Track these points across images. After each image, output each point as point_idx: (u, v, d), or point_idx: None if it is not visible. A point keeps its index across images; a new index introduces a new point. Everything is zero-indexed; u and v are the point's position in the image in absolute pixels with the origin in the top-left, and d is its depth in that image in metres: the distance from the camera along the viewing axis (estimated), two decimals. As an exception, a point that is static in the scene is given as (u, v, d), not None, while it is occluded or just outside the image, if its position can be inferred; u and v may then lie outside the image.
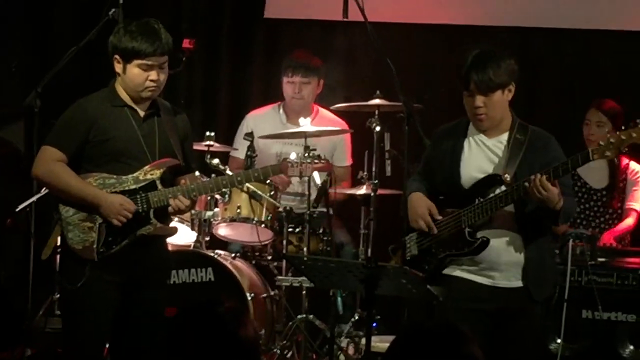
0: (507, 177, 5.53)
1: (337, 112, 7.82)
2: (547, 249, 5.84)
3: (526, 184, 5.39)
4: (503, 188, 5.54)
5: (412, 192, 5.77)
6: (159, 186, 5.65)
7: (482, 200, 5.57)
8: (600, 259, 6.62)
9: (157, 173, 5.68)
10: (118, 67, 5.63)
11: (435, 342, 3.05)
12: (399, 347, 3.08)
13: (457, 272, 5.66)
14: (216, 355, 3.12)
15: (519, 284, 5.59)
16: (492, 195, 5.55)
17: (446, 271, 5.68)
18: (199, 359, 3.15)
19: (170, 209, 5.75)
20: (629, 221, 7.68)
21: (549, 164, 5.51)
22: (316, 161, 6.55)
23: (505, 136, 5.67)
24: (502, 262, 5.60)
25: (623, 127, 5.44)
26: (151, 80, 5.59)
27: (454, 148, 5.72)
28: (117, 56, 5.62)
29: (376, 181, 7.08)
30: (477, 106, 5.52)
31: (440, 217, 5.66)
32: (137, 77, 5.59)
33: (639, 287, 6.51)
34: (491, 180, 5.60)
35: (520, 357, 5.73)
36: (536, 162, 5.57)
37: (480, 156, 5.70)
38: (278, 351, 7.21)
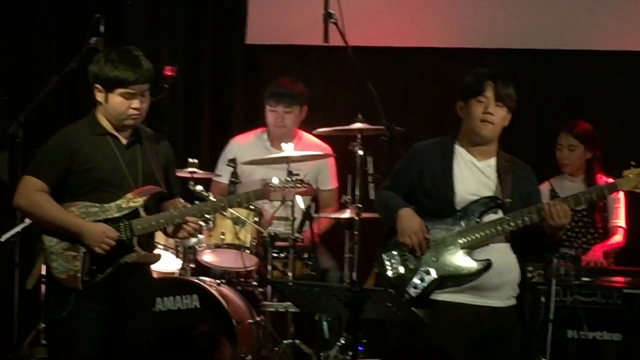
0: (508, 201, 5.62)
1: (320, 136, 7.83)
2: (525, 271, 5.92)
3: (543, 209, 5.47)
4: (500, 212, 5.62)
5: (400, 206, 5.76)
6: (142, 214, 5.66)
7: (479, 222, 5.63)
8: (584, 279, 6.60)
9: (140, 201, 5.68)
10: (99, 96, 5.63)
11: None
12: None
13: (447, 296, 5.66)
14: None
15: (513, 302, 5.67)
16: (491, 217, 5.63)
17: (436, 295, 5.67)
18: None
19: (182, 232, 5.82)
20: (617, 238, 7.79)
21: (530, 193, 5.70)
22: (299, 185, 6.60)
23: (492, 161, 5.76)
24: (498, 283, 5.65)
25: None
26: (133, 109, 5.60)
27: (445, 165, 5.76)
28: (98, 85, 5.63)
29: (360, 205, 7.09)
30: (489, 112, 5.63)
31: (428, 236, 5.68)
32: (120, 105, 5.60)
33: (623, 306, 6.49)
34: (489, 203, 5.68)
35: None
36: (523, 190, 5.70)
37: (475, 177, 5.77)
38: (266, 377, 7.22)
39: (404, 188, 5.84)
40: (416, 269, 5.71)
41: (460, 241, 5.62)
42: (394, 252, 5.81)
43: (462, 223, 5.67)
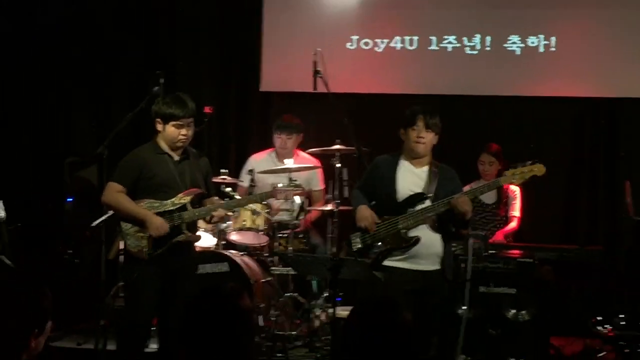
0: (431, 195, 5.74)
1: (311, 154, 7.84)
2: (450, 245, 5.98)
3: (455, 199, 5.60)
4: (427, 203, 5.72)
5: (360, 204, 5.90)
6: (189, 207, 5.83)
7: (412, 210, 5.74)
8: (491, 251, 6.69)
9: (187, 199, 5.84)
10: (159, 127, 5.81)
11: (380, 310, 3.21)
12: (356, 314, 3.18)
13: (392, 262, 5.77)
14: (224, 317, 3.12)
15: (438, 267, 5.78)
16: (421, 207, 5.72)
17: (386, 262, 5.77)
18: (214, 321, 3.12)
19: (212, 217, 5.97)
20: (513, 224, 7.85)
21: (455, 189, 5.79)
22: (296, 188, 6.75)
23: (426, 168, 5.86)
24: (427, 253, 5.76)
25: (529, 162, 5.71)
26: (182, 135, 5.78)
27: (391, 172, 5.86)
28: (158, 119, 5.81)
29: (338, 201, 7.07)
30: (422, 136, 5.76)
31: (379, 221, 5.80)
32: (173, 133, 5.78)
33: (517, 269, 6.56)
34: (418, 197, 5.78)
35: (435, 320, 5.85)
36: (448, 186, 5.79)
37: (411, 179, 5.86)
38: (274, 318, 7.23)
39: (370, 187, 5.96)
40: (371, 244, 5.84)
41: (400, 225, 5.75)
42: (358, 233, 5.91)
43: (401, 211, 5.77)
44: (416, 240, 5.73)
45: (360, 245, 5.89)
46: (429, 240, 5.79)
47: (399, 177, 5.87)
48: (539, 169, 5.69)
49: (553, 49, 8.51)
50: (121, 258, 6.07)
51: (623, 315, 6.32)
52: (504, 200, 7.88)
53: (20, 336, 3.02)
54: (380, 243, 5.81)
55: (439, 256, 5.82)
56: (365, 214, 5.83)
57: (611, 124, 8.53)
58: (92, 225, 7.02)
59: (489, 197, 7.88)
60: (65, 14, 8.94)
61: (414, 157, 5.88)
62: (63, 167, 8.02)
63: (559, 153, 8.59)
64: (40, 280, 3.23)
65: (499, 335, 6.57)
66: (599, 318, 6.27)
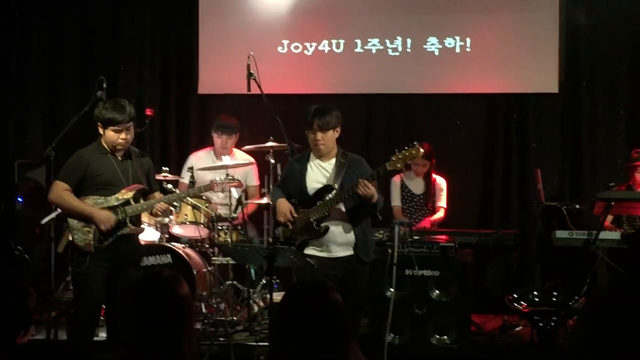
0: (336, 185, 5.72)
1: (246, 151, 7.82)
2: (368, 230, 5.91)
3: (353, 186, 5.54)
4: (334, 193, 5.70)
5: (277, 198, 5.92)
6: (132, 202, 5.80)
7: (321, 202, 5.72)
8: (415, 237, 6.67)
9: (130, 194, 5.81)
10: (100, 130, 5.76)
11: (310, 292, 3.23)
12: (290, 296, 3.19)
13: (310, 251, 5.77)
14: (162, 304, 3.12)
15: (351, 252, 5.76)
16: (328, 197, 5.70)
17: (306, 251, 5.78)
18: (152, 305, 3.13)
19: (155, 211, 5.94)
20: (440, 214, 7.88)
21: (361, 175, 5.69)
22: (232, 181, 6.74)
23: (333, 160, 5.84)
24: (339, 241, 5.76)
25: (406, 147, 5.65)
26: (121, 139, 5.74)
27: (301, 169, 5.86)
28: (99, 123, 5.77)
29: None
30: (317, 140, 5.74)
31: (296, 215, 5.80)
32: (112, 137, 5.73)
33: (440, 253, 6.55)
34: (325, 189, 5.76)
35: (359, 300, 5.85)
36: (354, 174, 5.72)
37: (318, 174, 5.85)
38: (215, 305, 7.23)
39: (287, 185, 5.98)
40: (291, 236, 5.83)
41: (311, 217, 5.73)
42: (281, 228, 5.92)
43: (312, 204, 5.75)
44: (325, 229, 5.73)
45: (282, 239, 5.92)
46: (339, 229, 5.79)
47: (308, 173, 5.87)
48: (417, 152, 5.66)
49: (468, 50, 8.57)
50: (69, 252, 5.89)
51: (536, 293, 6.40)
52: (431, 191, 7.91)
53: (8, 337, 3.00)
54: (299, 235, 5.81)
55: (351, 243, 5.81)
56: (281, 209, 5.85)
57: (522, 117, 8.61)
58: (42, 222, 6.96)
59: (418, 188, 7.93)
60: (18, 21, 8.87)
61: (318, 155, 5.88)
62: (13, 169, 7.87)
63: (476, 145, 8.69)
64: (24, 282, 3.19)
65: (424, 314, 6.58)
66: (515, 295, 6.34)
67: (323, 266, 5.71)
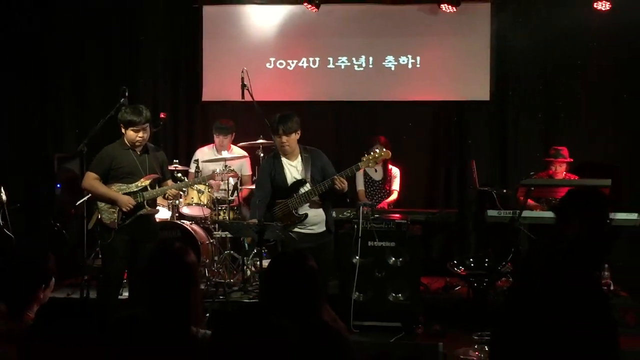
0: (307, 178, 5.71)
1: (241, 147, 7.76)
2: (330, 207, 5.93)
3: (332, 183, 5.55)
4: (308, 186, 5.69)
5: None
6: (149, 188, 5.79)
7: (297, 195, 5.69)
8: (376, 215, 6.65)
9: (147, 182, 5.80)
10: (122, 130, 5.75)
11: (292, 260, 3.19)
12: (274, 263, 3.17)
13: (296, 230, 5.77)
14: (170, 268, 3.09)
15: (324, 229, 5.80)
16: (303, 190, 5.69)
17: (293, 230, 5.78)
18: (164, 271, 3.10)
19: (167, 195, 5.89)
20: (394, 196, 7.85)
21: (324, 165, 5.75)
22: (230, 172, 6.72)
23: (299, 157, 5.81)
24: (316, 221, 5.78)
25: (377, 150, 5.72)
26: (139, 137, 5.73)
27: (277, 167, 5.80)
28: (121, 124, 5.76)
29: None
30: (283, 142, 5.70)
31: (276, 207, 5.79)
32: (132, 135, 5.72)
33: (395, 228, 6.52)
34: (300, 182, 5.76)
35: (330, 263, 5.94)
36: (318, 165, 5.74)
37: (293, 170, 5.80)
38: (215, 270, 7.22)
39: (264, 182, 5.91)
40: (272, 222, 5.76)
41: (290, 206, 5.73)
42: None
43: (290, 195, 5.77)
44: (305, 215, 5.73)
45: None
46: (317, 212, 5.80)
47: (286, 170, 5.82)
48: (386, 154, 5.76)
49: (418, 66, 8.55)
50: (98, 228, 5.91)
51: (472, 259, 6.41)
52: (388, 178, 7.88)
53: (31, 290, 2.97)
54: (281, 221, 5.76)
55: (323, 220, 5.82)
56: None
57: (460, 120, 8.60)
58: (76, 204, 6.96)
59: (377, 175, 7.88)
60: (52, 40, 8.75)
61: (284, 154, 5.84)
62: (53, 161, 7.83)
63: (424, 142, 8.67)
64: (45, 247, 3.22)
65: (383, 277, 6.58)
66: (455, 262, 6.35)
67: (302, 240, 5.70)
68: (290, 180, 5.78)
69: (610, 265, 6.90)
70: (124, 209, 5.68)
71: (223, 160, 7.25)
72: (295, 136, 5.76)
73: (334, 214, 6.13)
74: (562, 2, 8.11)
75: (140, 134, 5.73)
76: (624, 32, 8.09)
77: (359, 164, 5.72)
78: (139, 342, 2.87)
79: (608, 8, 7.92)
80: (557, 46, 8.33)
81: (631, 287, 7.08)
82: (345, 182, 5.62)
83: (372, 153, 5.74)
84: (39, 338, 2.43)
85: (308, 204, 5.75)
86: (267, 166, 5.90)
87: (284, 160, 5.84)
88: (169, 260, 3.11)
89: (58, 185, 7.82)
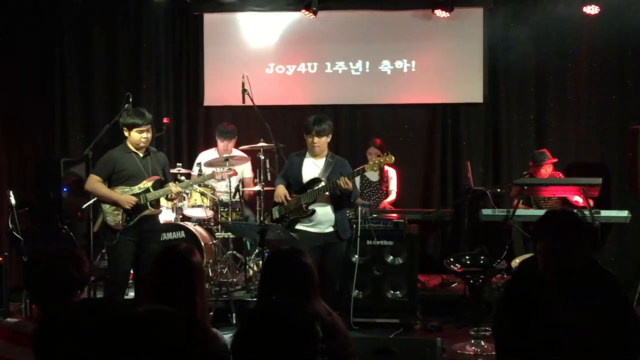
0: (323, 178, 5.76)
1: (242, 150, 7.73)
2: (344, 213, 5.99)
3: (337, 181, 5.59)
4: (322, 184, 5.73)
5: (278, 185, 5.91)
6: (151, 190, 5.79)
7: (311, 190, 5.74)
8: (374, 215, 6.67)
9: (150, 184, 5.80)
10: (126, 133, 5.76)
11: (286, 255, 3.24)
12: (270, 259, 3.26)
13: (301, 227, 5.79)
14: (177, 269, 3.09)
15: (332, 229, 5.79)
16: (317, 187, 5.73)
17: (297, 227, 5.80)
18: (170, 270, 3.10)
19: (170, 195, 5.89)
20: (392, 197, 7.83)
21: (344, 173, 5.76)
22: (230, 172, 6.71)
23: (324, 159, 5.86)
24: (324, 220, 5.78)
25: (380, 155, 5.81)
26: (144, 138, 5.73)
27: (299, 163, 5.86)
28: (125, 127, 5.75)
29: (263, 183, 7.05)
30: (314, 143, 5.75)
31: (290, 198, 5.81)
32: (136, 137, 5.72)
33: (393, 227, 6.55)
34: (315, 180, 5.79)
35: (337, 267, 5.91)
36: (338, 172, 5.77)
37: (312, 168, 5.84)
38: (219, 270, 7.21)
39: (287, 175, 5.95)
40: (285, 214, 5.84)
41: (302, 201, 5.76)
42: (275, 207, 5.92)
43: (305, 190, 5.78)
44: (312, 211, 5.75)
45: (277, 215, 5.91)
46: (324, 211, 5.81)
47: (304, 167, 5.88)
48: (389, 159, 5.82)
49: (413, 70, 8.55)
50: (103, 230, 5.90)
51: (468, 257, 6.40)
52: (384, 179, 7.87)
53: (67, 295, 2.97)
54: (289, 214, 5.82)
55: (333, 222, 5.82)
56: (279, 192, 5.87)
57: (455, 122, 8.59)
58: (82, 207, 6.95)
59: (374, 177, 7.87)
60: (60, 51, 8.75)
61: (313, 155, 5.87)
62: (59, 166, 7.83)
63: (420, 144, 8.66)
64: (82, 252, 3.19)
65: (381, 275, 6.59)
66: (451, 259, 6.34)
67: (310, 239, 5.73)
68: (306, 176, 5.84)
69: (600, 261, 6.86)
70: (126, 207, 5.68)
71: (226, 162, 7.21)
72: (326, 139, 5.83)
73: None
74: (552, 6, 8.13)
75: (145, 135, 5.75)
76: (613, 34, 8.13)
77: (365, 166, 5.84)
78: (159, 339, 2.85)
79: (597, 12, 7.95)
80: (548, 49, 8.35)
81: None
82: (350, 183, 5.65)
83: (375, 159, 5.95)
84: (51, 333, 2.36)
85: (317, 202, 5.79)
86: (295, 159, 5.97)
87: (309, 158, 5.90)
88: (176, 261, 3.10)
89: (65, 189, 7.80)
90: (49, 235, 7.42)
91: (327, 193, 5.75)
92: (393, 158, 5.82)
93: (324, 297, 3.29)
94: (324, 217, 5.81)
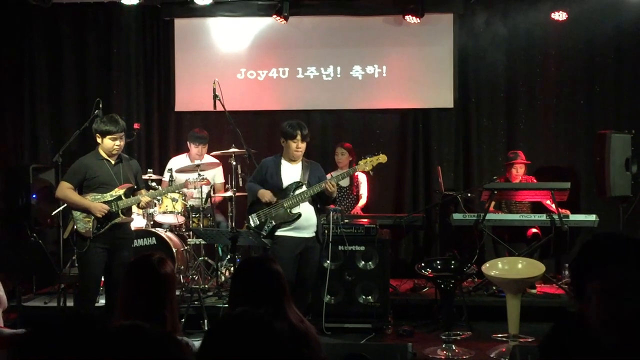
0: (305, 182, 5.81)
1: (214, 156, 7.70)
2: (321, 223, 6.04)
3: (323, 184, 5.67)
4: (304, 188, 5.77)
5: (257, 189, 5.90)
6: (123, 197, 5.74)
7: (293, 194, 5.76)
8: (346, 221, 6.70)
9: (121, 191, 5.75)
10: (99, 140, 5.70)
11: (256, 263, 3.23)
12: (240, 267, 3.21)
13: (282, 233, 5.81)
14: (147, 281, 3.09)
15: (313, 234, 5.85)
16: (299, 191, 5.77)
17: (277, 233, 5.82)
18: (140, 282, 3.10)
19: (141, 204, 5.84)
20: (362, 202, 7.83)
21: (320, 176, 5.85)
22: (202, 180, 6.69)
23: (300, 163, 5.91)
24: (306, 225, 5.82)
25: (376, 154, 5.94)
26: (116, 145, 5.68)
27: (277, 168, 5.88)
28: (97, 134, 5.71)
29: (235, 189, 6.98)
30: (298, 147, 5.81)
31: (273, 201, 5.83)
32: (109, 144, 5.67)
33: (364, 233, 6.57)
34: (297, 184, 5.83)
35: (313, 272, 5.96)
36: (315, 175, 5.84)
37: (291, 172, 5.88)
38: (190, 276, 7.19)
39: (260, 180, 5.94)
40: (265, 221, 5.83)
41: (285, 205, 5.77)
42: (254, 214, 5.91)
43: (285, 195, 5.81)
44: (298, 215, 5.78)
45: (257, 222, 5.89)
46: (307, 215, 5.84)
47: (283, 171, 5.90)
48: (382, 158, 5.90)
49: (384, 75, 8.58)
50: (74, 237, 5.85)
51: (439, 261, 6.44)
52: (355, 184, 7.89)
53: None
54: (272, 220, 5.82)
55: (314, 226, 5.86)
56: (266, 195, 5.85)
57: (426, 126, 8.64)
58: (52, 214, 6.92)
59: (345, 182, 7.85)
60: (28, 56, 8.68)
61: (291, 159, 5.89)
62: (28, 172, 7.75)
63: (391, 148, 8.59)
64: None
65: (353, 280, 6.60)
66: (422, 264, 6.38)
67: (291, 246, 5.78)
68: (286, 180, 5.87)
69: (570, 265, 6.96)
70: (97, 215, 5.63)
71: (197, 167, 7.20)
72: (306, 144, 5.92)
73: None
74: (521, 12, 8.23)
75: (118, 143, 5.72)
76: (581, 40, 8.26)
77: (356, 167, 5.92)
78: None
79: (565, 18, 8.06)
80: (517, 54, 8.44)
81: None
82: (335, 187, 5.74)
83: (368, 157, 5.93)
84: (28, 346, 2.31)
85: (300, 205, 5.81)
86: (270, 164, 5.97)
87: (284, 162, 5.92)
88: (147, 271, 3.09)
89: (34, 196, 7.72)
90: (18, 242, 7.35)
91: (310, 196, 5.80)
92: (386, 157, 5.87)
93: (297, 303, 3.29)
94: (307, 220, 5.85)
